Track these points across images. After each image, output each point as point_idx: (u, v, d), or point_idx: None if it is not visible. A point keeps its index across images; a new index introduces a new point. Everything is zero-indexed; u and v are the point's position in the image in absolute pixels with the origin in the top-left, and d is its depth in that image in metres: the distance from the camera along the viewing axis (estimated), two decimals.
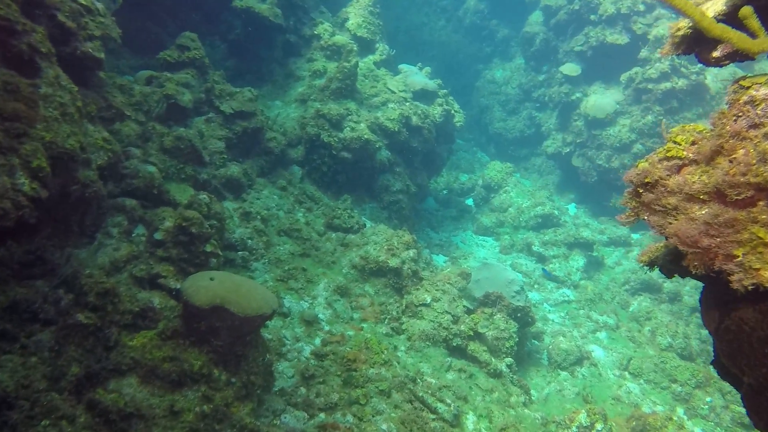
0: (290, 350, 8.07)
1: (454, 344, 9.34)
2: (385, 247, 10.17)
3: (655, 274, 14.14)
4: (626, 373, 11.22)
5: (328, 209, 11.34)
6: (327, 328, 8.79)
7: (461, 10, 23.85)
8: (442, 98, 14.57)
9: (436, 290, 9.86)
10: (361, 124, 12.15)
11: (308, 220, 10.94)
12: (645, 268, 4.01)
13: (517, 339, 9.90)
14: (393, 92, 13.26)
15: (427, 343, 9.15)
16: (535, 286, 13.52)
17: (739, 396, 10.05)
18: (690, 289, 13.66)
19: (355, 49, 12.61)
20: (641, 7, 15.71)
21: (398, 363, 8.43)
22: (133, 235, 7.88)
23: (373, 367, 8.00)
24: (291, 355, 8.02)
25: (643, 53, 15.40)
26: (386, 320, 9.44)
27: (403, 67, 14.82)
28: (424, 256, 10.81)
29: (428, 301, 9.60)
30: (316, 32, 14.24)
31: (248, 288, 6.22)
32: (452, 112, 14.86)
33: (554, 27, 18.18)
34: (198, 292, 5.93)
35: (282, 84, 14.02)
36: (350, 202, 11.71)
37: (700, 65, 15.18)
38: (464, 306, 9.88)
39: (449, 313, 9.53)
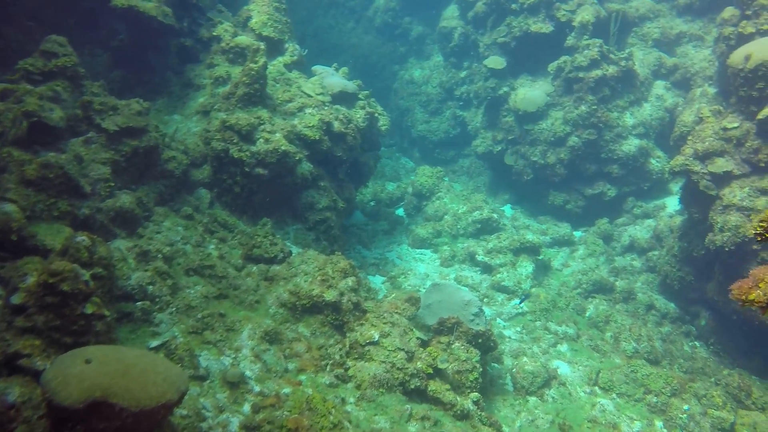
0: (212, 427, 6.30)
1: (412, 386, 7.84)
2: (319, 278, 8.55)
3: (605, 273, 13.30)
4: (597, 388, 10.15)
5: (245, 237, 9.57)
6: (257, 388, 7.06)
7: (371, 10, 22.59)
8: (364, 100, 13.12)
9: (384, 323, 8.33)
10: (277, 134, 10.48)
11: (222, 253, 9.14)
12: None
13: (480, 369, 8.55)
14: (309, 96, 11.66)
15: (381, 389, 7.59)
16: (484, 300, 12.27)
17: (717, 399, 8.97)
18: (642, 286, 12.90)
19: (263, 47, 10.93)
20: None
21: (350, 422, 6.83)
22: None
23: None
24: None
25: (570, 41, 14.58)
26: (328, 367, 7.81)
27: (317, 68, 13.26)
28: (363, 283, 9.27)
29: (376, 338, 8.06)
30: (215, 33, 12.43)
31: (143, 367, 4.46)
32: (376, 114, 13.43)
33: (473, 20, 17.16)
34: (67, 385, 4.12)
35: (180, 95, 12.11)
36: (271, 226, 9.99)
37: (628, 50, 14.55)
38: (418, 338, 8.41)
39: (402, 349, 8.03)
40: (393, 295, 9.34)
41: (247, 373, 7.25)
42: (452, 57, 18.56)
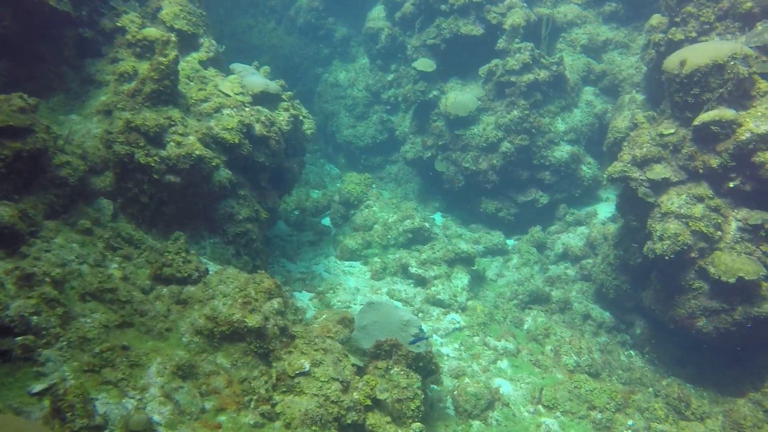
0: None
1: (349, 421, 6.94)
2: (240, 300, 7.50)
3: (541, 282, 12.93)
4: (540, 407, 9.60)
5: (154, 254, 8.38)
6: None
7: (293, 10, 21.59)
8: (288, 102, 12.13)
9: (315, 350, 7.39)
10: (190, 137, 9.34)
11: (127, 273, 7.91)
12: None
13: (422, 396, 7.77)
14: (228, 95, 10.57)
15: (314, 427, 6.66)
16: (420, 315, 11.56)
17: (659, 412, 8.65)
18: (577, 295, 12.60)
19: (174, 39, 9.73)
20: None
21: None
22: None
23: None
24: None
25: (501, 44, 14.19)
26: (253, 403, 6.79)
27: (236, 66, 12.17)
28: (290, 304, 8.31)
29: (307, 368, 7.11)
30: (119, 24, 11.08)
31: None
32: (301, 117, 12.48)
33: (400, 21, 16.55)
34: None
35: (78, 92, 10.70)
36: (184, 241, 8.79)
37: (559, 55, 14.32)
38: (353, 365, 7.54)
39: (336, 379, 7.12)
40: (324, 316, 8.41)
41: (155, 417, 6.13)
42: (379, 59, 17.88)
